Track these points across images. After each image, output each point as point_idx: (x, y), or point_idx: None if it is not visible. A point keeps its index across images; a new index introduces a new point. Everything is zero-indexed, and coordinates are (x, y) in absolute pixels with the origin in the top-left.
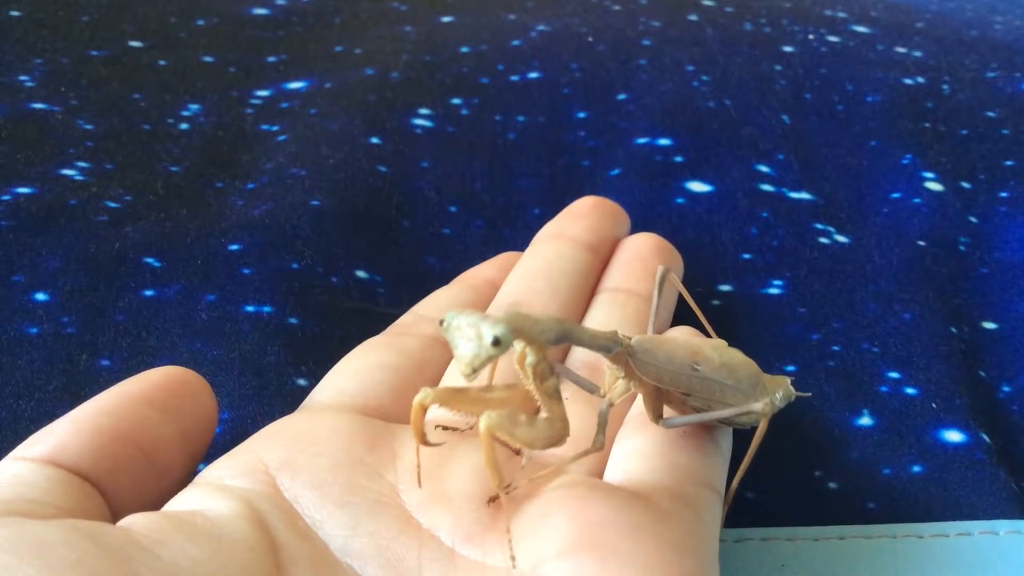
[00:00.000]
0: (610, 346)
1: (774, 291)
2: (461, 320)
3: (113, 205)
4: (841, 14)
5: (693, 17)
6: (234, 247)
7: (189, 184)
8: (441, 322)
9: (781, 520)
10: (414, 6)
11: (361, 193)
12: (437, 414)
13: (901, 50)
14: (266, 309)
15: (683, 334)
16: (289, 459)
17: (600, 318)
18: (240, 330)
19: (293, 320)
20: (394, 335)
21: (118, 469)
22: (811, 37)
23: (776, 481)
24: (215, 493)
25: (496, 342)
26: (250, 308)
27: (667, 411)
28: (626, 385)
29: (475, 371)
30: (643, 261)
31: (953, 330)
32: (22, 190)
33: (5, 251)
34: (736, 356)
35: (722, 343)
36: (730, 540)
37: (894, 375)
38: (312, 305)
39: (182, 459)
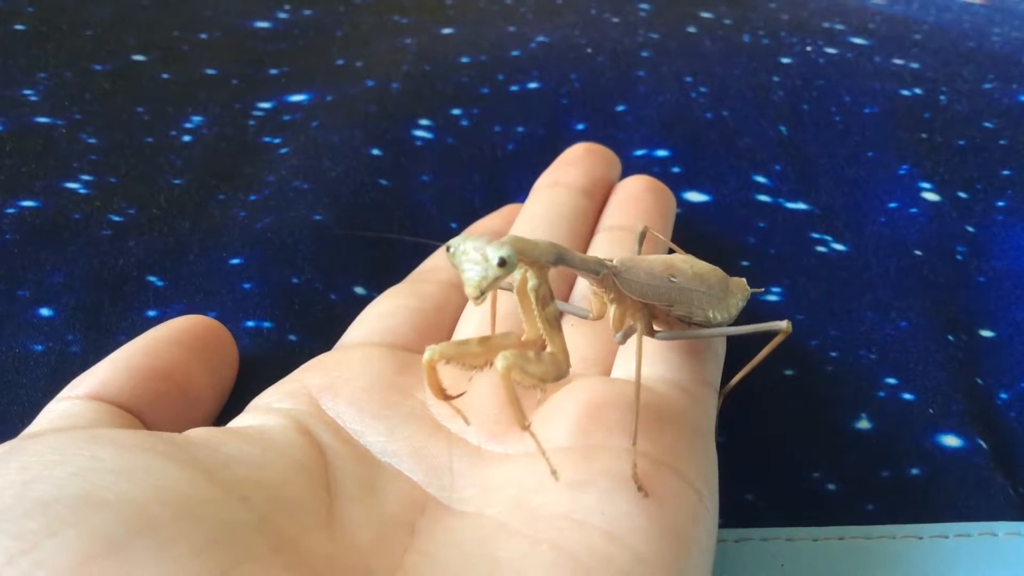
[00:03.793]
0: (598, 269)
1: (772, 298)
2: (467, 245)
3: (116, 219)
4: (839, 26)
5: (692, 29)
6: (235, 261)
7: (192, 197)
8: (448, 248)
9: (781, 520)
10: (415, 18)
11: (362, 207)
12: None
13: (899, 61)
14: (266, 325)
15: None
16: (329, 384)
17: (600, 255)
18: (240, 346)
19: (292, 337)
20: (413, 282)
21: (156, 402)
22: (809, 49)
23: (776, 482)
24: (264, 414)
25: (502, 263)
26: (250, 324)
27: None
28: (616, 310)
29: (482, 293)
30: (637, 200)
31: (950, 338)
32: (27, 203)
33: (10, 265)
34: (704, 265)
35: (689, 256)
36: (730, 540)
37: (891, 381)
38: (311, 322)
39: (211, 393)
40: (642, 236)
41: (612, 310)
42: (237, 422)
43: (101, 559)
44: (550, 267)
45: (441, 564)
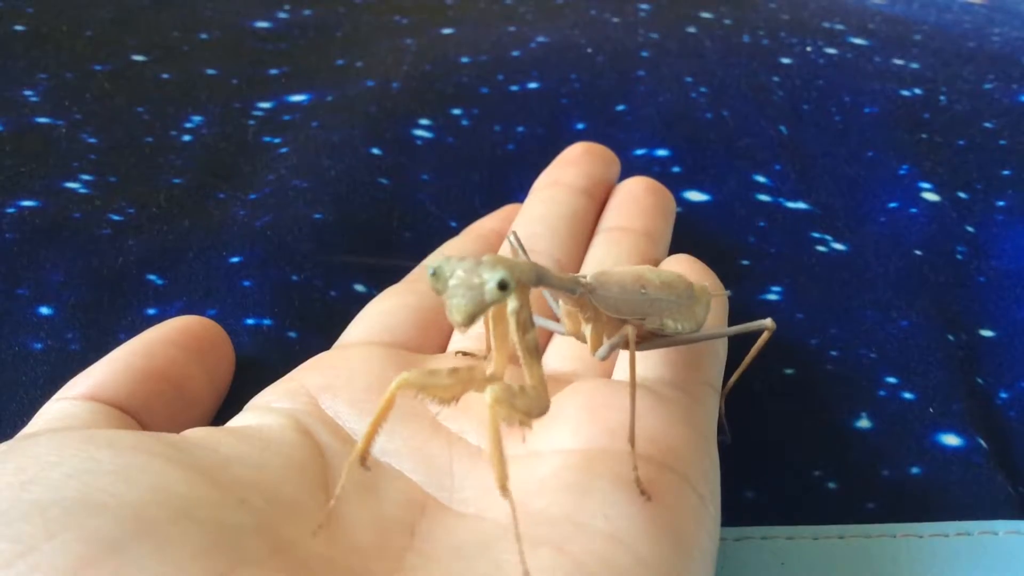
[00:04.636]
0: (574, 287)
1: (772, 297)
2: (454, 266)
3: (116, 218)
4: (839, 26)
5: (692, 29)
6: (235, 259)
7: (191, 196)
8: (432, 272)
9: (781, 519)
10: (415, 19)
11: (362, 205)
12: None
13: (898, 62)
14: (265, 322)
15: (682, 263)
16: (328, 383)
17: (599, 256)
18: (240, 343)
19: (292, 334)
20: (411, 282)
21: (153, 402)
22: (809, 49)
23: (776, 481)
24: (263, 413)
25: (503, 285)
26: (250, 321)
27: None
28: (593, 329)
29: (473, 321)
30: (636, 201)
31: (950, 337)
32: (26, 203)
33: (10, 264)
34: (668, 273)
35: (651, 265)
36: (730, 538)
37: (892, 380)
38: (311, 319)
39: (208, 393)
40: (515, 243)
41: (588, 329)
42: (235, 421)
43: (99, 562)
44: (531, 288)
45: (442, 566)
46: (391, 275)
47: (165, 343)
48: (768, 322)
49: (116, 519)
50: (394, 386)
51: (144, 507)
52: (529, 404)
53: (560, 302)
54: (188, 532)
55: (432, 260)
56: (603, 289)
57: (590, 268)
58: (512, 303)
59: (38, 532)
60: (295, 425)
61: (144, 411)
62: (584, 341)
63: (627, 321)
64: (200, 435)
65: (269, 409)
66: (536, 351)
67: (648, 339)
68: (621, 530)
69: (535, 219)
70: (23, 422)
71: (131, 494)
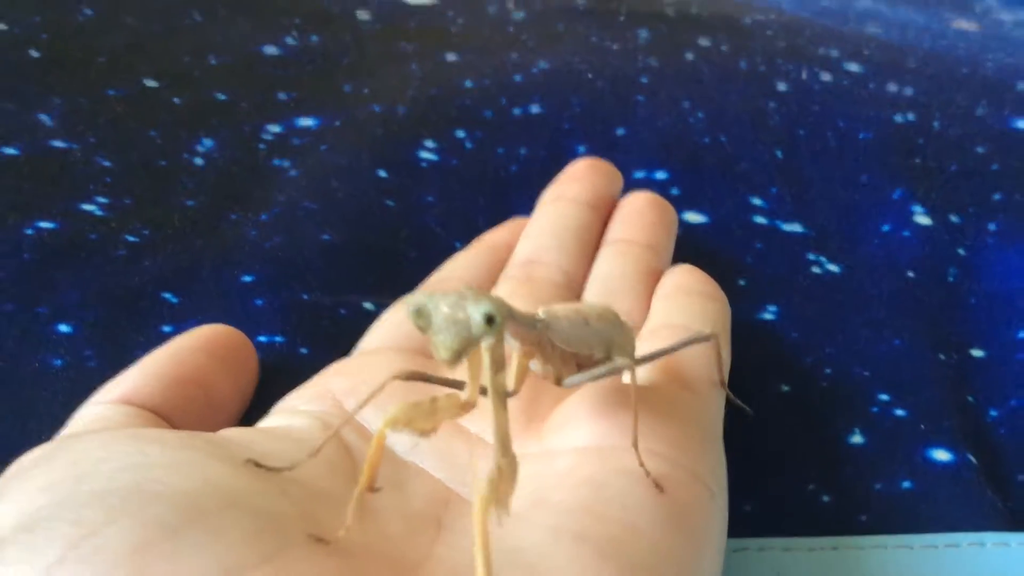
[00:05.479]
0: (534, 323)
1: (768, 316)
2: (437, 302)
3: (131, 239)
4: (834, 53)
5: (690, 56)
6: (247, 278)
7: (204, 217)
8: (413, 309)
9: (777, 531)
10: (420, 45)
11: (369, 227)
12: None
13: (892, 88)
14: (277, 339)
15: (685, 273)
16: (352, 387)
17: (605, 268)
18: None
19: (304, 350)
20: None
21: (184, 406)
22: (804, 75)
23: (772, 494)
24: (291, 415)
25: (490, 319)
26: (263, 338)
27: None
28: (551, 367)
29: (460, 358)
30: (640, 214)
31: (942, 357)
32: (44, 224)
33: (29, 284)
34: (599, 306)
35: (578, 301)
36: (729, 550)
37: (884, 397)
38: (322, 335)
39: (234, 398)
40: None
41: (549, 369)
42: (264, 423)
43: (158, 544)
44: (504, 322)
45: (468, 553)
46: (400, 292)
47: (194, 349)
48: (709, 331)
49: (171, 506)
50: (383, 425)
51: (195, 496)
52: (507, 485)
53: (517, 342)
54: (237, 519)
55: (412, 297)
56: (556, 323)
57: (596, 280)
58: (487, 339)
59: (99, 517)
60: (323, 426)
61: (175, 414)
62: (546, 377)
63: (577, 353)
64: (234, 434)
65: (296, 411)
66: (504, 395)
67: (593, 367)
68: (638, 519)
69: (542, 232)
70: (44, 433)
71: (183, 484)
